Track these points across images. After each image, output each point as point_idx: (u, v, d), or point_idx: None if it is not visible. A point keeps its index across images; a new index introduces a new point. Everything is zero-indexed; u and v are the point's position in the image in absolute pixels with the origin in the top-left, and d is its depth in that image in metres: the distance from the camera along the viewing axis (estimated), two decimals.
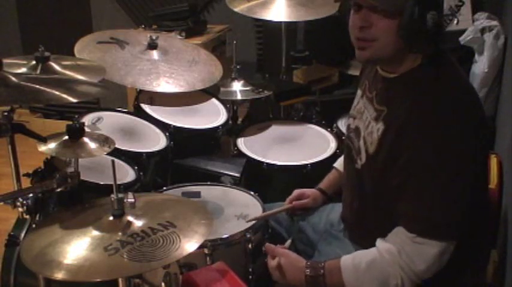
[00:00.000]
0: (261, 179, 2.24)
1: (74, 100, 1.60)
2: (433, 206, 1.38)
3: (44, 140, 1.64)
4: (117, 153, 1.99)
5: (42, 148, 1.63)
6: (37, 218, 1.78)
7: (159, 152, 2.21)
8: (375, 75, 1.56)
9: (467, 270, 1.54)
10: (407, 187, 1.40)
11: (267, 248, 1.61)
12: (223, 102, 2.53)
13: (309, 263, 1.53)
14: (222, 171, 2.17)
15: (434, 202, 1.38)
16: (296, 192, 1.90)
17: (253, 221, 1.78)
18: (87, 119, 2.26)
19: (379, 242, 1.47)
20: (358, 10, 1.43)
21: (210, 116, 2.46)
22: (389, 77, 1.49)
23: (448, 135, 1.35)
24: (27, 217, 1.78)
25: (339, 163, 1.88)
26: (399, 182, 1.41)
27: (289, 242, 1.72)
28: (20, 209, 1.74)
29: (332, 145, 2.37)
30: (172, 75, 2.40)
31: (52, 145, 1.62)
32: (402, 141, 1.40)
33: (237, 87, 2.52)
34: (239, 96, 2.50)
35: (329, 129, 2.48)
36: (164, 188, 2.00)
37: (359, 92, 1.65)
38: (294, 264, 1.55)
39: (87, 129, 1.68)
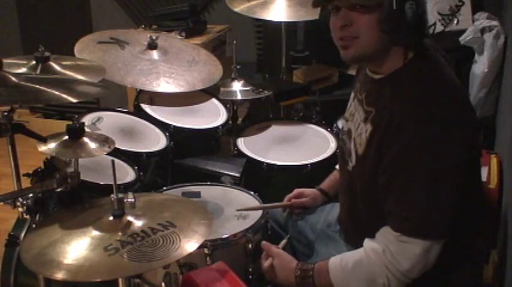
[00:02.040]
0: (261, 179, 2.24)
1: (74, 100, 1.60)
2: (416, 204, 1.38)
3: (44, 140, 1.64)
4: (117, 153, 1.99)
5: (42, 148, 1.63)
6: (37, 218, 1.78)
7: (159, 152, 2.21)
8: (365, 77, 1.57)
9: (466, 270, 1.54)
10: (392, 186, 1.41)
11: (263, 247, 1.64)
12: (223, 102, 2.53)
13: (299, 264, 1.56)
14: (222, 171, 2.17)
15: (417, 201, 1.38)
16: (296, 191, 1.91)
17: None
18: (87, 119, 2.26)
19: (366, 242, 1.48)
20: (337, 11, 1.45)
21: (210, 116, 2.46)
22: (376, 78, 1.50)
23: (430, 135, 1.35)
24: (27, 217, 1.79)
25: None
26: (385, 181, 1.42)
27: (284, 241, 1.73)
28: (20, 209, 1.75)
29: (332, 145, 2.37)
30: (172, 75, 2.40)
31: (52, 145, 1.62)
32: (387, 141, 1.40)
33: (237, 87, 2.52)
34: (239, 96, 2.50)
35: (329, 129, 2.48)
36: (164, 188, 2.00)
37: (352, 95, 1.67)
38: (285, 265, 1.57)
39: (87, 129, 1.68)
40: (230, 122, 2.47)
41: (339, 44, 1.48)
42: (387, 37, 1.40)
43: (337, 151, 2.30)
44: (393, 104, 1.41)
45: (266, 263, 1.60)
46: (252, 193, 1.97)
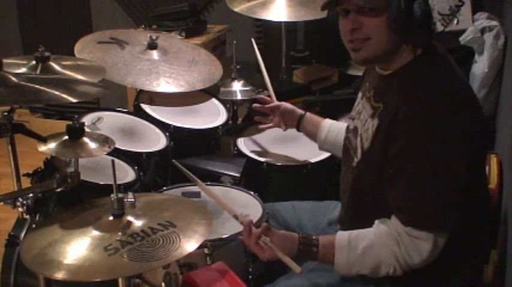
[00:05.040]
0: (261, 179, 2.24)
1: (74, 100, 1.60)
2: (422, 197, 1.39)
3: (44, 140, 1.64)
4: (117, 153, 1.99)
5: (42, 148, 1.63)
6: (37, 218, 1.79)
7: (159, 152, 2.21)
8: (374, 75, 1.58)
9: (466, 270, 1.54)
10: (398, 179, 1.41)
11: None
12: (223, 102, 2.53)
13: (301, 234, 1.52)
14: (222, 171, 2.17)
15: (424, 194, 1.39)
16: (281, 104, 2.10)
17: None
18: (87, 119, 2.25)
19: (377, 226, 1.47)
20: (347, 14, 1.46)
21: (210, 116, 2.46)
22: (385, 74, 1.51)
23: (435, 129, 1.36)
24: (27, 217, 1.79)
25: (333, 124, 1.95)
26: (391, 174, 1.43)
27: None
28: (20, 209, 1.75)
29: None
30: (172, 75, 2.40)
31: (52, 145, 1.62)
32: (393, 134, 1.41)
33: (237, 87, 2.52)
34: (239, 96, 2.50)
35: None
36: (164, 188, 2.00)
37: (360, 94, 1.67)
38: (287, 234, 1.52)
39: (87, 129, 1.68)
40: (230, 122, 2.47)
41: (349, 47, 1.48)
42: (397, 36, 1.42)
43: None
44: (399, 98, 1.42)
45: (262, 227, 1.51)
46: (252, 192, 1.97)
